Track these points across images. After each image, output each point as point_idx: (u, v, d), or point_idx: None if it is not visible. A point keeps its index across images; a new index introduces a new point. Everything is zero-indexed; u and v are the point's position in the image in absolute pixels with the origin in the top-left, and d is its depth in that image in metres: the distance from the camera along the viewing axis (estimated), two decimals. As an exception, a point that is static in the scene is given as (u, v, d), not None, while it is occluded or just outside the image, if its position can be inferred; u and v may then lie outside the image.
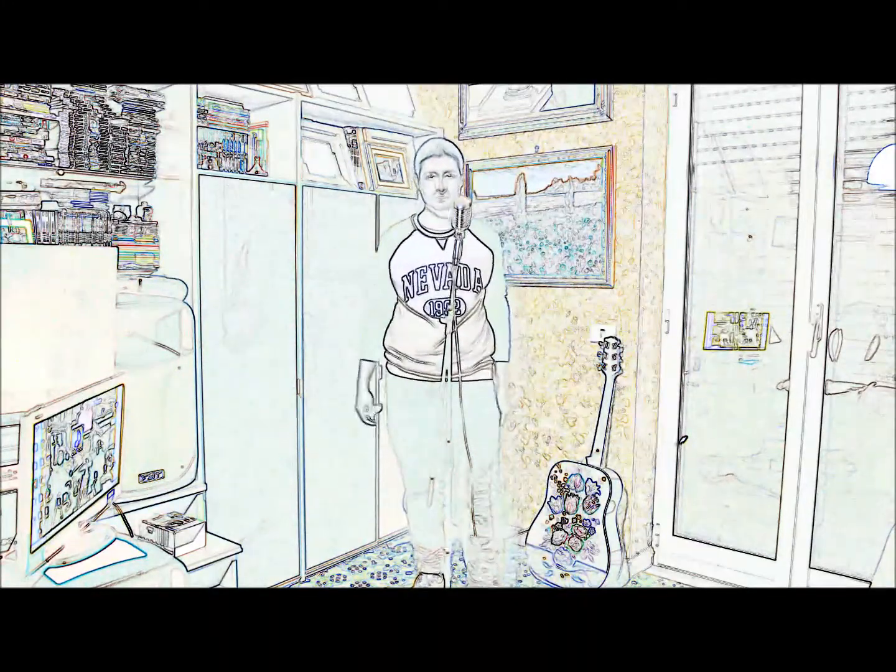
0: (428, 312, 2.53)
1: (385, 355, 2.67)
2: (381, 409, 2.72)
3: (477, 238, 2.60)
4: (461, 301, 2.53)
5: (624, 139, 2.93)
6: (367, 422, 2.73)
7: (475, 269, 2.57)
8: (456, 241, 2.42)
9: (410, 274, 2.54)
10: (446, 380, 2.42)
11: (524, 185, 3.21)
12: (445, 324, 2.45)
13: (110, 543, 1.99)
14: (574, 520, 2.89)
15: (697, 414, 3.04)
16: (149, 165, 2.49)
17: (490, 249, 2.60)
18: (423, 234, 2.58)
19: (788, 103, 2.71)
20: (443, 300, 2.52)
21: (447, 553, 2.53)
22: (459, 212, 2.40)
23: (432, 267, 2.53)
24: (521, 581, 3.01)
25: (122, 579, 1.82)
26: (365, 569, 3.13)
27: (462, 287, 2.53)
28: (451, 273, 2.45)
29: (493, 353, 2.66)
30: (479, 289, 2.58)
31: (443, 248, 2.54)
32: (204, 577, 2.33)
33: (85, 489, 1.91)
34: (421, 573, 2.76)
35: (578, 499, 2.89)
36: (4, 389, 1.92)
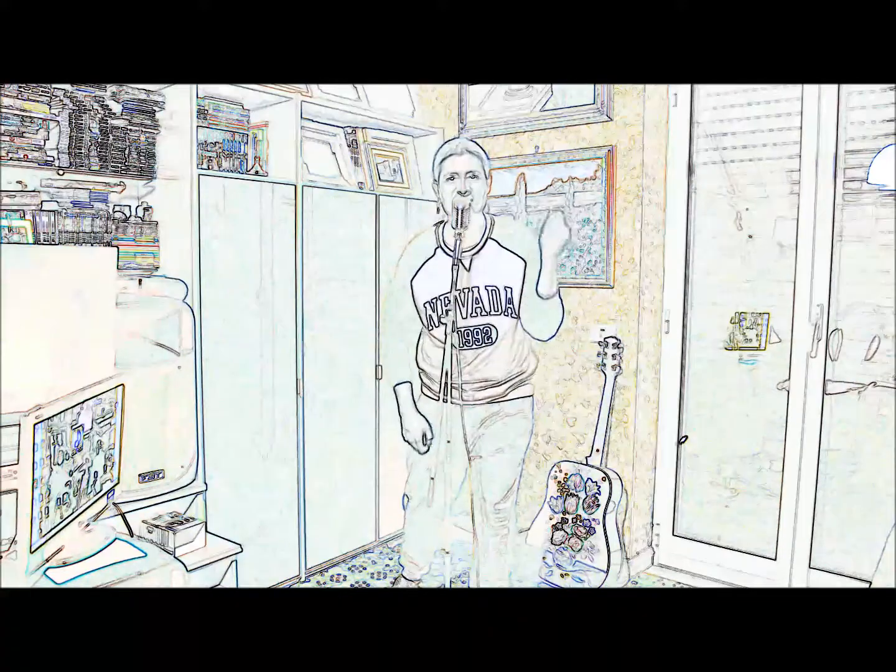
0: (455, 343, 2.30)
1: (419, 375, 2.51)
2: (432, 438, 2.46)
3: (506, 248, 2.34)
4: (492, 328, 2.33)
5: (624, 139, 2.93)
6: (421, 451, 2.46)
7: (505, 287, 2.32)
8: (457, 241, 2.24)
9: (434, 301, 2.34)
10: (445, 400, 2.24)
11: (524, 185, 3.21)
12: (445, 344, 2.22)
13: (110, 543, 1.99)
14: (574, 520, 2.89)
15: (697, 414, 3.04)
16: (149, 165, 2.49)
17: (523, 259, 2.34)
18: (446, 253, 2.35)
19: (788, 103, 2.71)
20: (470, 329, 2.31)
21: (447, 553, 2.52)
22: (459, 212, 2.25)
23: (458, 294, 2.29)
24: (520, 581, 3.00)
25: (122, 579, 1.82)
26: (365, 569, 3.13)
27: (492, 312, 2.32)
28: (452, 284, 2.22)
29: (535, 368, 2.47)
30: (511, 311, 2.33)
31: (468, 270, 2.29)
32: (204, 577, 2.33)
33: (85, 489, 1.91)
34: (401, 576, 2.76)
35: (578, 499, 2.89)
36: (4, 389, 1.91)
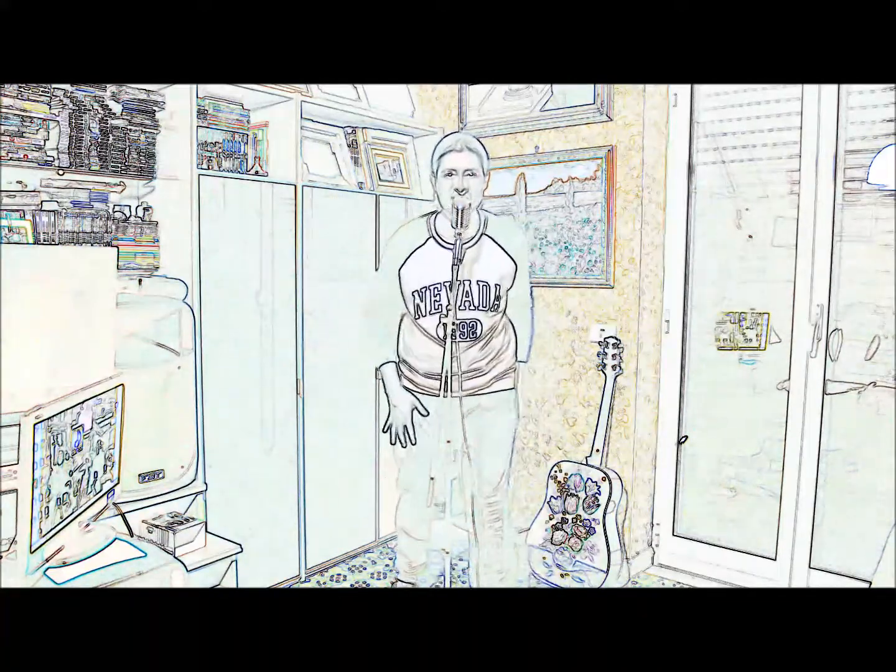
0: (440, 335, 2.31)
1: (399, 366, 2.48)
2: (427, 415, 2.41)
3: (500, 247, 2.36)
4: (477, 323, 2.34)
5: (624, 139, 2.93)
6: (404, 444, 2.42)
7: (496, 285, 2.34)
8: (457, 242, 2.20)
9: (423, 290, 2.33)
10: (445, 395, 2.22)
11: (524, 185, 3.21)
12: (445, 339, 2.20)
13: (110, 543, 1.99)
14: (574, 520, 2.89)
15: (697, 414, 3.04)
16: (149, 165, 2.49)
17: (514, 262, 2.37)
18: (438, 243, 2.35)
19: (788, 103, 2.71)
20: (458, 322, 2.29)
21: (447, 553, 2.52)
22: (459, 212, 2.22)
23: (448, 285, 2.27)
24: (521, 581, 3.00)
25: (122, 579, 1.82)
26: (365, 569, 3.13)
27: (480, 307, 2.33)
28: (452, 281, 2.19)
29: (516, 360, 2.49)
30: (497, 307, 2.36)
31: (461, 262, 2.24)
32: (204, 577, 2.33)
33: (85, 489, 1.91)
34: (397, 580, 2.75)
35: (578, 499, 2.89)
36: (4, 389, 1.91)
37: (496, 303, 2.36)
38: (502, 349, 2.45)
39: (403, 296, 2.39)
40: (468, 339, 2.37)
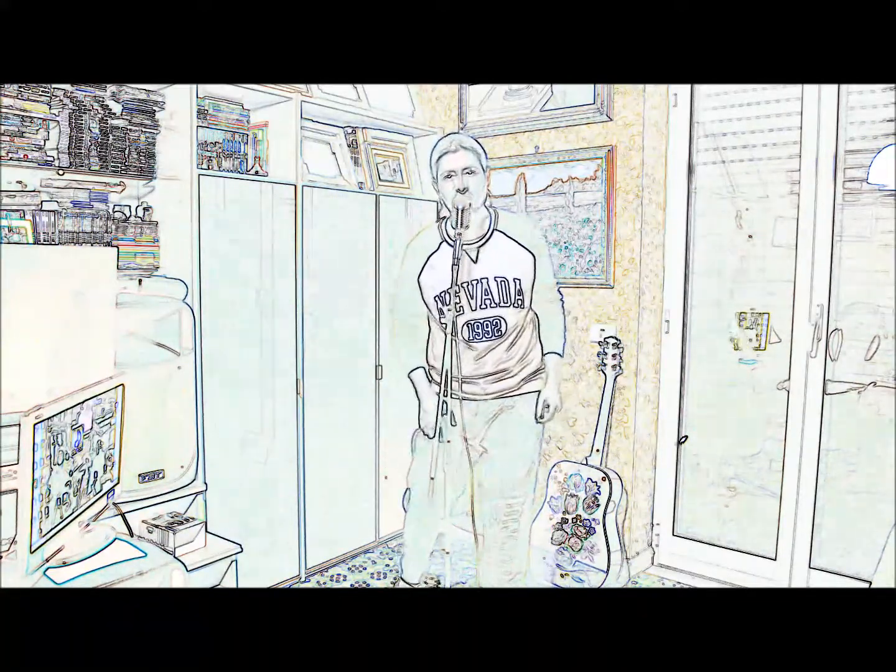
0: (466, 336, 2.32)
1: (429, 372, 2.48)
2: (455, 425, 2.35)
3: (514, 240, 2.34)
4: (501, 320, 2.33)
5: (624, 139, 2.93)
6: (430, 436, 2.40)
7: (514, 279, 2.31)
8: (457, 241, 2.20)
9: (443, 294, 2.32)
10: (445, 395, 2.19)
11: (524, 185, 3.21)
12: (447, 337, 2.18)
13: (110, 543, 1.99)
14: (574, 520, 2.89)
15: (697, 414, 3.04)
16: (149, 165, 2.49)
17: (532, 253, 2.35)
18: (451, 245, 2.31)
19: (788, 103, 2.71)
20: (479, 321, 2.31)
21: (447, 553, 2.52)
22: (459, 212, 2.23)
23: (465, 285, 2.29)
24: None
25: (122, 579, 1.82)
26: (365, 569, 3.13)
27: (501, 303, 2.32)
28: (452, 282, 2.18)
29: (542, 362, 2.46)
30: (521, 303, 2.34)
31: (475, 261, 2.26)
32: (204, 577, 2.33)
33: (85, 489, 1.91)
34: (400, 579, 2.74)
35: (578, 499, 2.89)
36: (4, 389, 1.91)
37: (519, 298, 2.33)
38: (530, 348, 2.42)
39: (426, 303, 2.38)
40: (494, 336, 2.35)
